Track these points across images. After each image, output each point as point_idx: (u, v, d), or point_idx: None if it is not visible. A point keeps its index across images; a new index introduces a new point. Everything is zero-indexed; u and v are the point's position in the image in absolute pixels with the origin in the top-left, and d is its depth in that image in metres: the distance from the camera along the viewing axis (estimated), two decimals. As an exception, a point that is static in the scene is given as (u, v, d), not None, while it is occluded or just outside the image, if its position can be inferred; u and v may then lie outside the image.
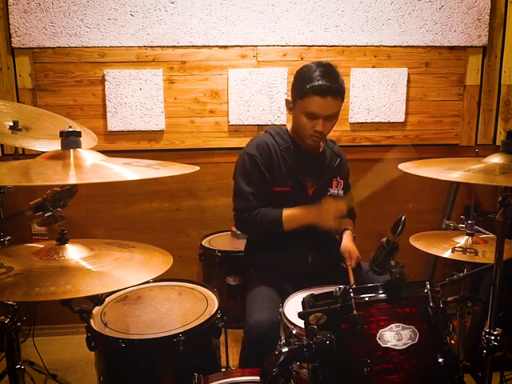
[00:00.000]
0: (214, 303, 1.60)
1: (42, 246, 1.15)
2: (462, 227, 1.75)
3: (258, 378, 1.02)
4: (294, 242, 1.77)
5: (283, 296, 1.60)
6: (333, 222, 1.68)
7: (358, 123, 2.73)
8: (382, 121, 2.73)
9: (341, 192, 1.88)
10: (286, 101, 1.82)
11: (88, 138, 1.78)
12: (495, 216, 1.18)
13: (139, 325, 1.46)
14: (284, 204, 1.76)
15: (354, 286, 1.04)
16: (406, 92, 2.70)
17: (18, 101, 2.51)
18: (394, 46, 2.66)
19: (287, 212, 1.72)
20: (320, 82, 1.62)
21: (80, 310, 1.15)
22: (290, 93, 1.83)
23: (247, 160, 1.76)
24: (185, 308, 1.58)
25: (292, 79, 1.77)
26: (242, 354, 1.64)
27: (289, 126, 1.87)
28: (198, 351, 1.45)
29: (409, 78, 2.70)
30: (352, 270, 1.73)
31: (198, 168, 1.16)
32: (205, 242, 2.45)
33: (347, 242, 1.84)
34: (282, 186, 1.77)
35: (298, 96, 1.70)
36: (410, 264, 2.50)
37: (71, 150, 1.05)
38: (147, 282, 1.74)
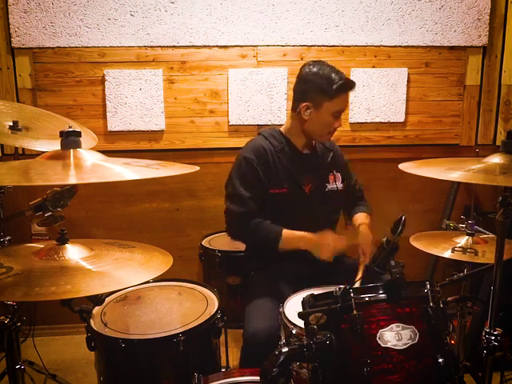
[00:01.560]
0: (214, 303, 1.60)
1: (42, 246, 1.15)
2: (462, 227, 1.75)
3: (258, 378, 1.02)
4: None
5: (283, 298, 1.60)
6: (329, 257, 1.64)
7: (358, 123, 2.73)
8: (382, 121, 2.73)
9: (340, 185, 1.88)
10: (305, 106, 1.71)
11: (88, 138, 1.78)
12: (495, 216, 1.18)
13: (139, 325, 1.46)
14: (282, 205, 1.76)
15: (355, 285, 1.04)
16: (406, 92, 2.70)
17: (18, 101, 2.51)
18: (394, 46, 2.66)
19: (286, 234, 1.70)
20: (344, 80, 1.71)
21: (80, 310, 1.16)
22: (296, 97, 1.76)
23: (244, 164, 1.76)
24: (185, 308, 1.58)
25: (293, 80, 1.77)
26: (241, 363, 1.64)
27: (283, 127, 1.87)
28: (198, 351, 1.45)
29: (409, 77, 2.70)
30: (364, 267, 1.65)
31: (198, 168, 1.16)
32: (205, 242, 2.45)
33: (365, 234, 1.80)
34: (279, 187, 1.76)
35: (325, 98, 1.70)
36: (410, 264, 2.49)
37: (71, 150, 1.05)
38: (147, 282, 1.74)
